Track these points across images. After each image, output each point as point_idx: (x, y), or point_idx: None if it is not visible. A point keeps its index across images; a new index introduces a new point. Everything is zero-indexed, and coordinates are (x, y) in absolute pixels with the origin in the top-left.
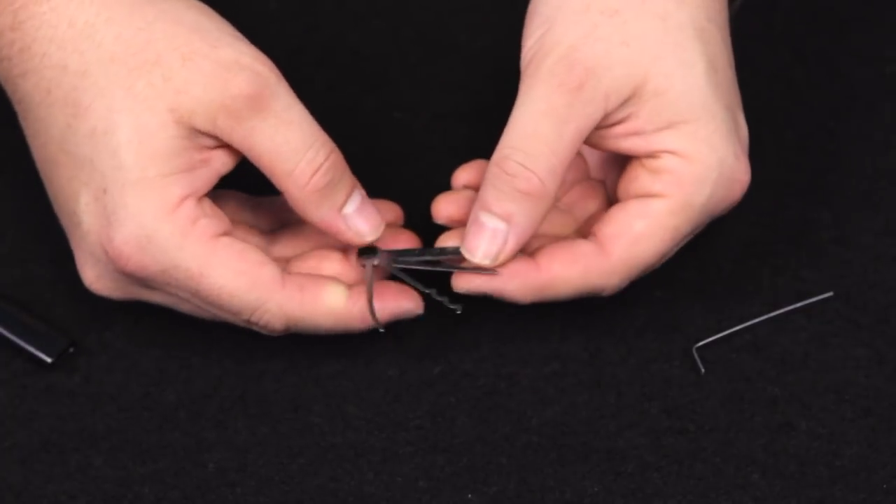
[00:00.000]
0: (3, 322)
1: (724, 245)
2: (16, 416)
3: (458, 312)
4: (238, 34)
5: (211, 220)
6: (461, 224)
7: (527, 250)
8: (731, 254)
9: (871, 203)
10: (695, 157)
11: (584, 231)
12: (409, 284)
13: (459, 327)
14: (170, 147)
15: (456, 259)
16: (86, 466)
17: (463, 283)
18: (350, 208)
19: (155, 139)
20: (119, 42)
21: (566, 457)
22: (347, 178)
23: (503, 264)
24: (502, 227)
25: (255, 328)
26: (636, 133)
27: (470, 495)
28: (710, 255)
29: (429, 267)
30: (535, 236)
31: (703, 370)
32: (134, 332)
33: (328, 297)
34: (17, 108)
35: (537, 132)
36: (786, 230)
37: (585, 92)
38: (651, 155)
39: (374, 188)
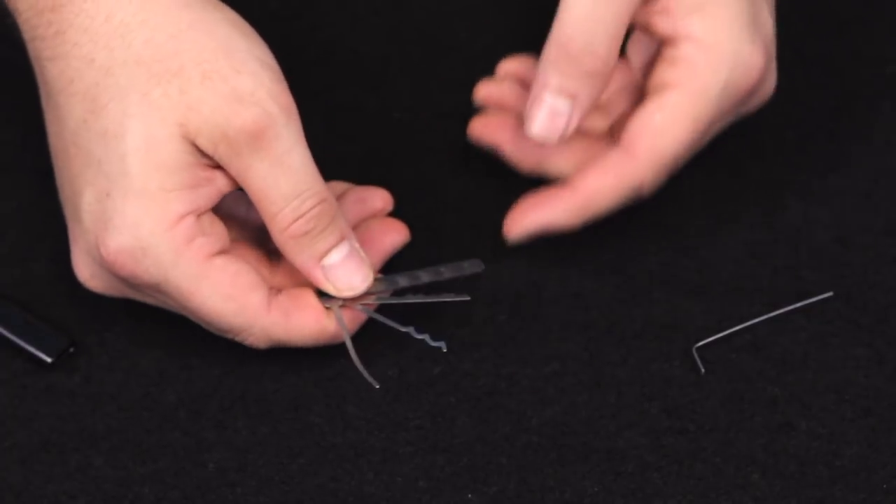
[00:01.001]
0: (3, 322)
1: (724, 245)
2: (16, 416)
3: (444, 350)
4: (265, 58)
5: (208, 238)
6: (498, 106)
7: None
8: (731, 254)
9: (871, 203)
10: (710, 44)
11: (616, 129)
12: (384, 324)
13: (459, 327)
14: (175, 161)
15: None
16: (86, 466)
17: (516, 228)
18: (333, 259)
19: (162, 151)
20: (148, 46)
21: (566, 457)
22: (335, 228)
23: (563, 141)
24: (567, 106)
25: (243, 343)
26: (665, 12)
27: (470, 495)
28: (710, 255)
29: (400, 299)
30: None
31: (703, 370)
32: (134, 332)
33: (313, 322)
34: (42, 90)
35: (595, 14)
36: (786, 230)
37: None
38: (672, 42)
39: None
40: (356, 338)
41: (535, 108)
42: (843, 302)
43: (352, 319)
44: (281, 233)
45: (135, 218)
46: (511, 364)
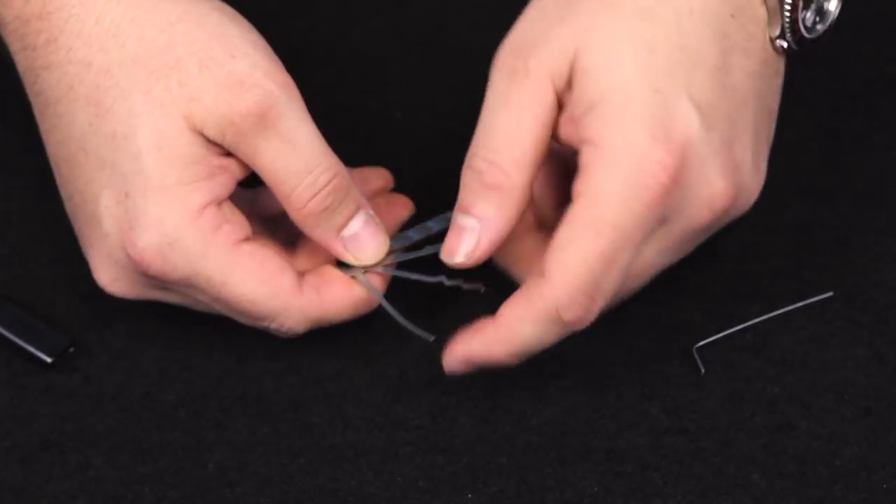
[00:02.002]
0: (3, 322)
1: (724, 245)
2: (16, 416)
3: (483, 290)
4: (258, 40)
5: (233, 225)
6: None
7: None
8: (731, 254)
9: (872, 203)
10: (601, 143)
11: None
12: (412, 279)
13: (459, 327)
14: (188, 154)
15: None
16: (86, 466)
17: (451, 361)
18: (351, 230)
19: (174, 146)
20: (142, 44)
21: (566, 457)
22: (351, 200)
23: (479, 262)
24: (475, 225)
25: (274, 332)
26: (571, 120)
27: (470, 495)
28: (710, 255)
29: (417, 253)
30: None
31: (703, 370)
32: (134, 332)
33: (345, 293)
34: (35, 100)
35: (496, 125)
36: (786, 230)
37: (531, 75)
38: (578, 149)
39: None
40: (358, 337)
41: (450, 229)
42: (843, 302)
43: (379, 283)
44: (298, 211)
45: (158, 215)
46: None
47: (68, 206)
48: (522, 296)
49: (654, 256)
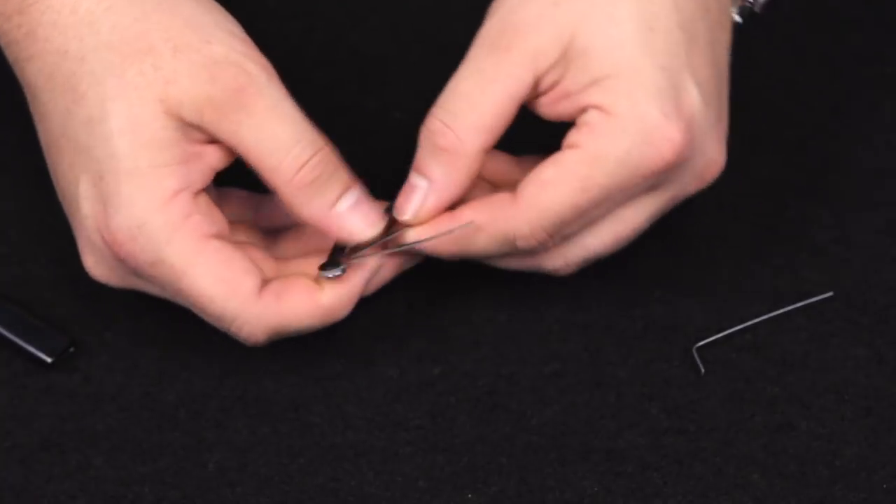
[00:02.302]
0: (3, 322)
1: (724, 245)
2: (16, 416)
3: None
4: (234, 29)
5: (204, 217)
6: None
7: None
8: (731, 254)
9: (871, 203)
10: (613, 111)
11: None
12: (400, 251)
13: (459, 327)
14: (162, 138)
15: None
16: (86, 466)
17: (393, 245)
18: (343, 205)
19: (147, 129)
20: (115, 31)
21: (566, 457)
22: (341, 175)
23: (425, 221)
24: (423, 185)
25: (234, 337)
26: (566, 95)
27: (470, 495)
28: (710, 255)
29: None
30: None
31: (703, 370)
32: (134, 332)
33: (305, 299)
34: (26, 92)
35: (459, 90)
36: (786, 230)
37: (513, 53)
38: (581, 112)
39: (374, 188)
40: (358, 337)
41: (403, 188)
42: (843, 302)
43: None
44: (287, 185)
45: (129, 196)
46: (511, 364)
47: (59, 193)
48: (486, 208)
49: (641, 221)
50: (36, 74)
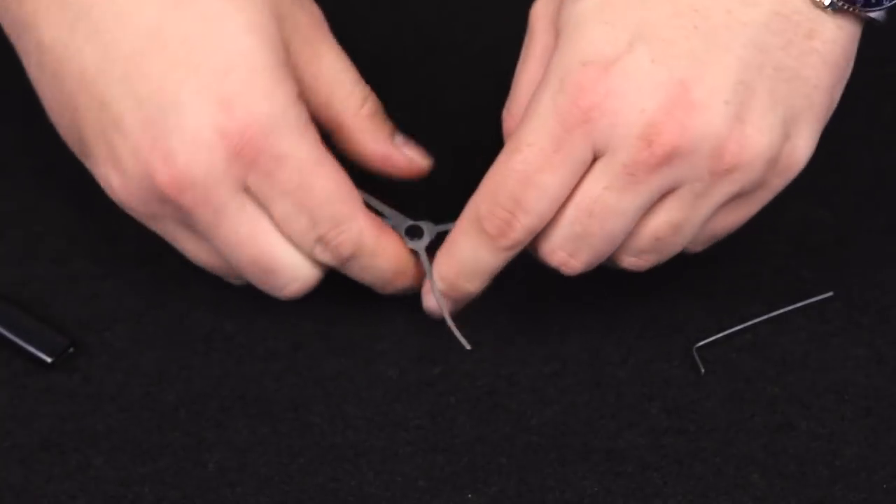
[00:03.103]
0: (3, 322)
1: (724, 245)
2: (16, 416)
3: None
4: None
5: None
6: None
7: None
8: (731, 254)
9: (872, 203)
10: (547, 70)
11: None
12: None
13: (459, 327)
14: (279, 43)
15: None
16: (86, 466)
17: (426, 299)
18: (400, 139)
19: (267, 32)
20: None
21: (566, 457)
22: (387, 117)
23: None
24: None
25: (327, 244)
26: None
27: (470, 495)
28: (710, 255)
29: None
30: None
31: (703, 370)
32: (134, 332)
33: (398, 247)
34: (68, 13)
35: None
36: (786, 230)
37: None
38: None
39: (375, 187)
40: (358, 337)
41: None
42: (843, 302)
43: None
44: (355, 116)
45: (266, 89)
46: (511, 364)
47: (119, 106)
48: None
49: (603, 192)
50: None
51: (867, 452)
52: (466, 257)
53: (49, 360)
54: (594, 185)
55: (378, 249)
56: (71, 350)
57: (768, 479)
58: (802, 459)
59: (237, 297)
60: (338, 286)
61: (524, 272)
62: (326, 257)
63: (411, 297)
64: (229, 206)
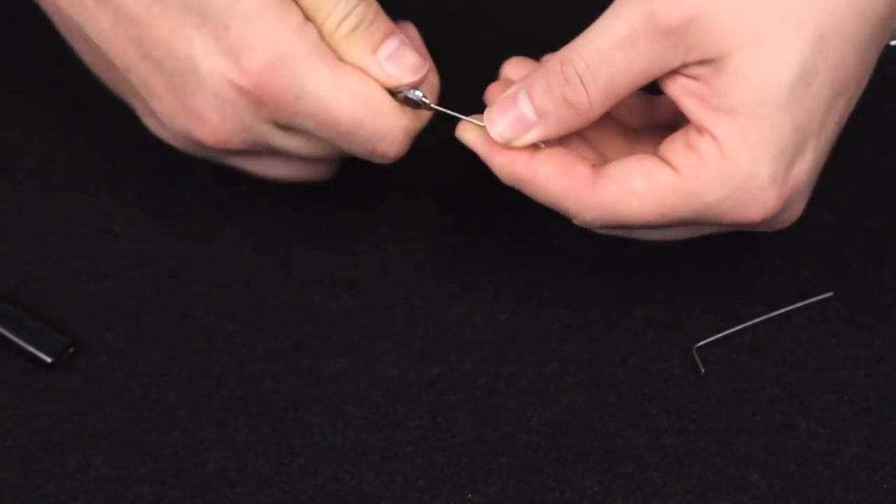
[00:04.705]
0: (3, 322)
1: (724, 245)
2: (16, 416)
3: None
4: None
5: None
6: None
7: None
8: (731, 254)
9: (871, 203)
10: (729, 156)
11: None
12: (454, 116)
13: (459, 327)
14: None
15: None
16: (86, 466)
17: (465, 133)
18: (386, 51)
19: None
20: None
21: (566, 457)
22: (381, 24)
23: (515, 145)
24: (532, 119)
25: (371, 158)
26: (700, 98)
27: (470, 495)
28: (710, 255)
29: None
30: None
31: (703, 370)
32: (134, 332)
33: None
34: None
35: (609, 56)
36: (786, 230)
37: (673, 38)
38: (699, 129)
39: (375, 186)
40: (357, 337)
41: (505, 101)
42: (843, 302)
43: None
44: (332, 35)
45: (266, 35)
46: (511, 364)
47: (141, 69)
48: (564, 178)
49: (684, 237)
50: None
51: (867, 452)
52: (528, 193)
53: (49, 360)
54: (686, 233)
55: (411, 127)
56: (71, 350)
57: (768, 479)
58: (802, 459)
59: (237, 297)
60: (337, 283)
61: (524, 272)
62: (386, 159)
63: (411, 297)
64: (276, 136)
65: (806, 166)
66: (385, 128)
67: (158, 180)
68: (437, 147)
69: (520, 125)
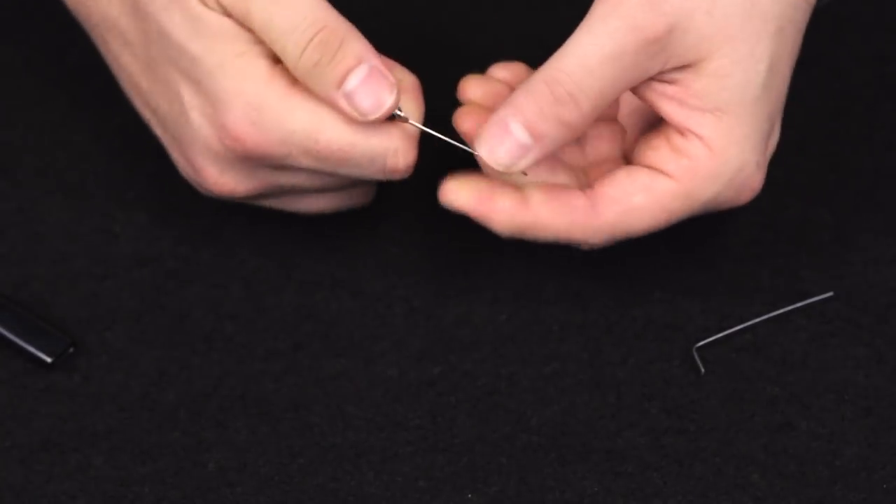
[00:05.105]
0: (3, 322)
1: (724, 245)
2: (16, 416)
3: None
4: None
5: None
6: (480, 110)
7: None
8: (731, 254)
9: (871, 203)
10: (719, 153)
11: (588, 171)
12: (443, 140)
13: (459, 327)
14: (224, 29)
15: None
16: (86, 466)
17: (451, 196)
18: (352, 83)
19: (207, 27)
20: None
21: (566, 457)
22: (347, 52)
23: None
24: (529, 143)
25: (387, 175)
26: (680, 101)
27: (470, 495)
28: (710, 255)
29: (443, 136)
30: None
31: (703, 370)
32: (134, 332)
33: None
34: (112, 32)
35: (597, 72)
36: (786, 230)
37: (655, 47)
38: (681, 131)
39: (375, 186)
40: (358, 337)
41: (496, 129)
42: (843, 302)
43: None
44: (294, 69)
45: (233, 88)
46: (511, 364)
47: (158, 121)
48: (565, 212)
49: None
50: (120, 4)
51: (867, 452)
52: (535, 237)
53: (49, 360)
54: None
55: (401, 142)
56: (71, 350)
57: (768, 479)
58: (802, 459)
59: (237, 298)
60: (337, 283)
61: (524, 272)
62: (398, 174)
63: (411, 297)
64: (281, 177)
65: (775, 141)
66: (381, 144)
67: (158, 180)
68: (436, 147)
69: (517, 151)
